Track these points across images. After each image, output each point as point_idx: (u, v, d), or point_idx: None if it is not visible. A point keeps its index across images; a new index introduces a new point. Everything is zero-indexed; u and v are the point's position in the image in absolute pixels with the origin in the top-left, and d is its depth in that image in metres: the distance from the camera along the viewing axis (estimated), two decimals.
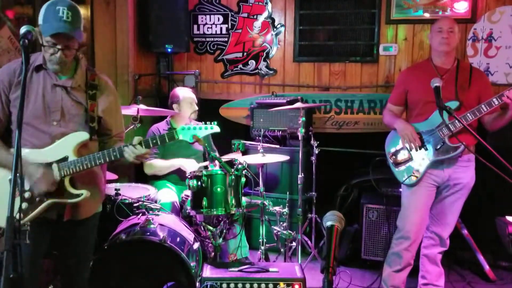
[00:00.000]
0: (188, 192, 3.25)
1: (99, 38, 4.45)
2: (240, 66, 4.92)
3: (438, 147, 2.92)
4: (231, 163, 3.23)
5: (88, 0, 4.36)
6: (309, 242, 4.00)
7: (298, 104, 3.86)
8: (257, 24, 4.83)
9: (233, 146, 3.80)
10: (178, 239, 2.92)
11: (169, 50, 4.61)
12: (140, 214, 3.03)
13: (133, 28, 4.54)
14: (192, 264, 2.77)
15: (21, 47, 1.83)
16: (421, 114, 3.03)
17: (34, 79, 2.20)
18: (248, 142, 4.12)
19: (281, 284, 2.68)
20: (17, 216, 1.58)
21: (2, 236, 2.07)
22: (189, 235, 3.07)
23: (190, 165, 3.68)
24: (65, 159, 2.17)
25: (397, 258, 3.14)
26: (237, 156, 3.66)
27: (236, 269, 2.77)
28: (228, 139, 3.87)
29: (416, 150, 2.99)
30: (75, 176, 2.20)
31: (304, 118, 3.81)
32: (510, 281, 3.79)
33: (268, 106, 4.28)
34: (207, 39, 4.96)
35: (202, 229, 3.30)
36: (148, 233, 2.82)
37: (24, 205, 2.10)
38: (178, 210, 3.50)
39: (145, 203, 3.08)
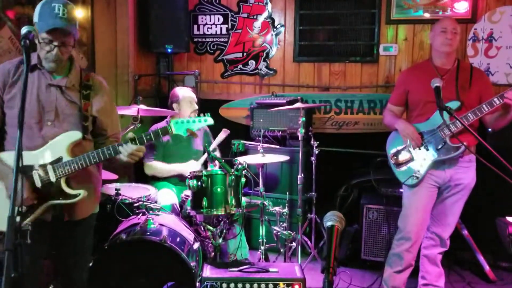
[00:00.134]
0: (188, 192, 3.26)
1: (99, 38, 4.44)
2: (240, 66, 4.92)
3: (440, 147, 2.92)
4: (231, 163, 3.23)
5: (88, 0, 4.35)
6: (309, 242, 4.00)
7: (298, 104, 3.87)
8: (257, 24, 4.83)
9: (233, 146, 3.81)
10: (178, 239, 2.92)
11: (169, 50, 4.61)
12: (140, 214, 3.03)
13: (133, 28, 4.54)
14: (192, 264, 2.77)
15: (22, 47, 1.83)
16: (421, 114, 3.03)
17: (28, 80, 2.19)
18: (248, 142, 4.12)
19: (281, 284, 2.68)
20: (17, 219, 1.58)
21: (1, 240, 2.06)
22: (189, 235, 3.07)
23: (191, 169, 3.66)
24: (59, 160, 2.15)
25: (398, 259, 3.14)
26: (223, 134, 3.67)
27: (236, 269, 2.77)
28: (228, 139, 3.88)
29: (419, 149, 2.99)
30: (70, 176, 2.18)
31: (304, 118, 3.81)
32: (510, 281, 3.79)
33: (268, 106, 4.28)
34: (207, 39, 4.96)
35: (202, 229, 3.30)
36: (148, 233, 2.82)
37: (23, 208, 2.08)
38: (178, 212, 3.49)
39: (145, 203, 3.08)
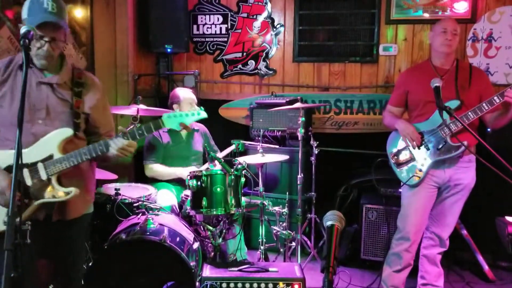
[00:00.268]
0: (187, 192, 3.26)
1: (98, 38, 4.44)
2: (240, 66, 4.92)
3: (440, 146, 2.92)
4: (230, 163, 3.23)
5: (87, 0, 4.35)
6: (308, 242, 4.01)
7: (298, 104, 3.87)
8: (257, 24, 4.83)
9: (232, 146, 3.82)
10: (178, 239, 2.92)
11: (168, 50, 4.62)
12: (140, 214, 3.03)
13: (132, 28, 4.54)
14: (191, 264, 2.77)
15: (22, 47, 1.82)
16: (421, 114, 3.03)
17: (18, 78, 2.17)
18: (247, 142, 4.12)
19: (281, 284, 2.69)
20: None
21: None
22: (188, 235, 3.07)
23: None
24: (50, 157, 2.12)
25: (397, 259, 3.14)
26: (230, 149, 3.65)
27: (236, 268, 2.78)
28: (228, 139, 3.88)
29: (419, 149, 2.99)
30: (62, 174, 2.15)
31: (303, 118, 3.81)
32: (509, 281, 3.79)
33: (267, 106, 4.28)
34: (207, 39, 4.96)
35: (202, 229, 3.31)
36: (148, 233, 2.82)
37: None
38: (177, 213, 3.48)
39: (145, 203, 3.08)
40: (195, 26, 4.96)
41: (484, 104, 2.78)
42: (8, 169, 2.09)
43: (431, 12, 4.40)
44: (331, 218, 1.59)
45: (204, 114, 2.26)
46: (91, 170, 2.38)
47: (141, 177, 3.97)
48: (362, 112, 4.62)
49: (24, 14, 2.12)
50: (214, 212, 3.01)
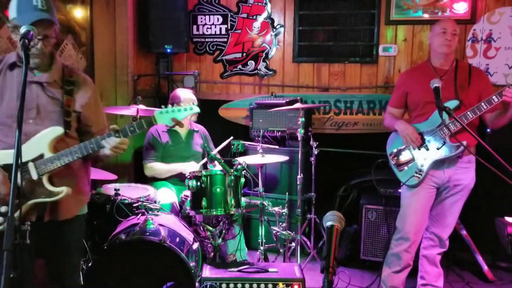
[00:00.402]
0: (187, 192, 3.26)
1: (98, 39, 4.44)
2: (240, 66, 4.92)
3: (440, 146, 2.92)
4: (230, 163, 3.23)
5: (87, 0, 4.35)
6: (308, 242, 4.01)
7: (298, 105, 3.87)
8: (257, 24, 4.83)
9: (232, 146, 3.82)
10: (177, 239, 2.92)
11: (168, 50, 4.62)
12: (140, 214, 3.02)
13: (132, 28, 4.53)
14: (191, 264, 2.77)
15: (21, 46, 1.82)
16: (421, 114, 3.03)
17: (7, 78, 2.15)
18: (247, 143, 4.13)
19: (280, 284, 2.69)
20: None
21: None
22: (188, 235, 3.07)
23: (191, 169, 3.66)
24: (40, 156, 2.09)
25: (396, 259, 3.14)
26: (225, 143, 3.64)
27: (236, 269, 2.78)
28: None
29: (419, 149, 2.99)
30: (53, 174, 2.12)
31: (303, 119, 3.81)
32: (509, 281, 3.79)
33: (267, 107, 4.29)
34: (207, 40, 4.96)
35: (202, 229, 3.31)
36: (148, 233, 2.82)
37: (4, 208, 2.01)
38: (178, 211, 3.49)
39: (144, 203, 3.07)
40: (195, 27, 4.96)
41: (482, 104, 2.78)
42: (2, 167, 2.07)
43: (430, 12, 4.41)
44: (331, 219, 1.59)
45: (196, 109, 2.22)
46: (84, 170, 2.34)
47: (141, 178, 3.97)
48: (362, 112, 4.62)
49: (13, 13, 2.08)
50: (214, 213, 3.01)
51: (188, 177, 3.06)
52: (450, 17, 4.21)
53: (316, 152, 3.96)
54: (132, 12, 4.52)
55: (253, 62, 4.88)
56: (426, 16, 4.42)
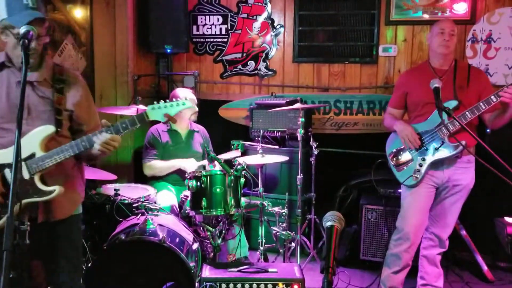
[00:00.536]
0: (187, 193, 3.26)
1: (98, 39, 4.44)
2: (240, 66, 4.93)
3: (438, 146, 2.92)
4: (230, 163, 3.23)
5: (87, 0, 4.35)
6: (308, 242, 4.01)
7: (298, 105, 3.87)
8: (257, 24, 4.83)
9: (232, 146, 3.82)
10: (177, 240, 2.92)
11: (168, 50, 4.62)
12: (140, 215, 3.03)
13: (132, 28, 4.54)
14: (191, 264, 2.77)
15: (21, 47, 1.82)
16: (421, 115, 3.03)
17: None
18: (247, 143, 4.13)
19: (280, 284, 2.68)
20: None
21: None
22: (188, 235, 3.07)
23: (190, 165, 3.67)
24: (32, 156, 2.07)
25: (396, 259, 3.14)
26: (235, 153, 3.66)
27: (235, 269, 2.78)
28: (228, 139, 3.88)
29: (417, 151, 2.99)
30: (45, 173, 2.10)
31: (303, 119, 3.81)
32: (508, 281, 3.79)
33: (267, 107, 4.29)
34: (207, 40, 4.96)
35: (201, 229, 3.31)
36: (148, 234, 2.82)
37: None
38: (177, 213, 3.49)
39: (144, 203, 3.08)
40: (195, 27, 4.96)
41: (481, 104, 2.78)
42: None
43: (430, 13, 4.41)
44: (331, 219, 1.59)
45: (188, 103, 2.19)
46: (77, 169, 2.31)
47: (141, 178, 3.97)
48: (362, 112, 4.62)
49: (2, 13, 2.04)
50: (214, 213, 3.01)
51: (188, 177, 3.07)
52: (449, 18, 4.21)
53: (316, 152, 3.96)
54: (132, 12, 4.53)
55: (253, 62, 4.88)
56: (426, 16, 4.42)
